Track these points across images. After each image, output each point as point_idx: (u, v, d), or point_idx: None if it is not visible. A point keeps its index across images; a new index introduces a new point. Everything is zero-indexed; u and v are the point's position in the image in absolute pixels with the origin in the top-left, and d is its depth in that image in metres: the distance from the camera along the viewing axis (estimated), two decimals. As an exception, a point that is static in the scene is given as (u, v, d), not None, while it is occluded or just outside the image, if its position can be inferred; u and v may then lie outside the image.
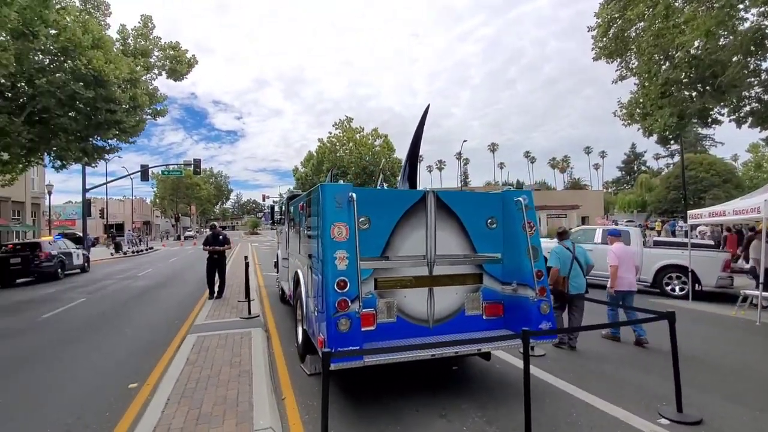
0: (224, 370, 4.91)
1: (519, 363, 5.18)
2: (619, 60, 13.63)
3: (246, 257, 9.40)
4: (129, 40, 16.47)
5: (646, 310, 4.38)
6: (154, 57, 17.02)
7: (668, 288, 10.63)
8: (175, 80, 17.74)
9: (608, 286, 6.54)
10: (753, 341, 6.73)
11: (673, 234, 24.93)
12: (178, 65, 17.16)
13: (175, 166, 35.19)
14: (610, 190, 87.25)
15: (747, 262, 11.90)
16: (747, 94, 12.22)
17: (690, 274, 10.04)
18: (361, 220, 4.13)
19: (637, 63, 12.90)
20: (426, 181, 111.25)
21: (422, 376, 4.97)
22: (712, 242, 13.53)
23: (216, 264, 9.94)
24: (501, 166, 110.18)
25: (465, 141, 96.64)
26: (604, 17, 12.64)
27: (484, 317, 4.69)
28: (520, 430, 3.32)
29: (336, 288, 3.76)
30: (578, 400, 4.32)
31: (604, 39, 13.07)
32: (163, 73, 17.47)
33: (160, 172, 41.59)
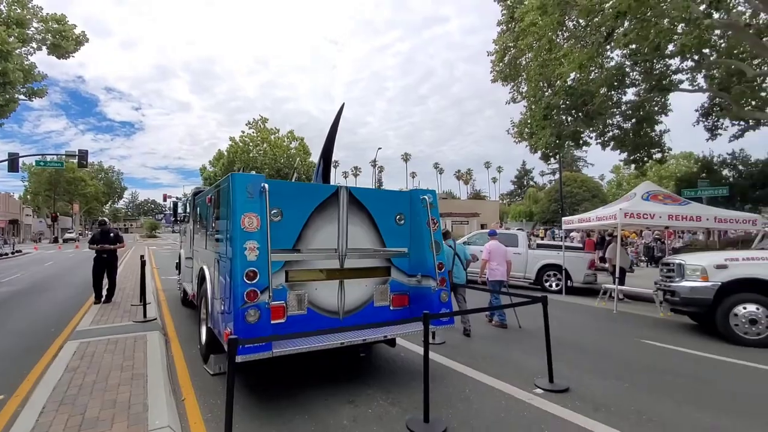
0: (114, 374, 4.44)
1: (422, 350, 5.53)
2: (512, 84, 15.29)
3: (142, 256, 8.56)
4: (2, 7, 14.00)
5: (524, 296, 5.01)
6: (32, 28, 14.68)
7: (547, 284, 12.11)
8: (58, 57, 15.49)
9: (479, 275, 7.85)
10: (611, 326, 7.99)
11: (554, 239, 28.31)
12: (63, 41, 15.02)
13: (55, 157, 30.38)
14: (504, 201, 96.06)
15: (604, 262, 14.05)
16: (610, 121, 14.54)
17: (564, 272, 11.59)
18: (273, 211, 4.09)
19: (526, 88, 14.59)
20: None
21: (331, 367, 5.03)
22: (581, 245, 15.75)
23: (105, 265, 8.85)
24: (413, 175, 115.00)
25: (380, 149, 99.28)
26: (501, 45, 14.11)
27: (391, 308, 4.92)
28: (420, 408, 3.56)
29: (245, 279, 3.67)
30: (470, 378, 4.76)
31: (501, 64, 14.57)
32: (44, 47, 15.14)
33: (34, 163, 35.56)
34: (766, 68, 11.39)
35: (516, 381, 4.64)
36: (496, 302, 7.50)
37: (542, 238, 30.12)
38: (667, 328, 7.67)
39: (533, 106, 14.13)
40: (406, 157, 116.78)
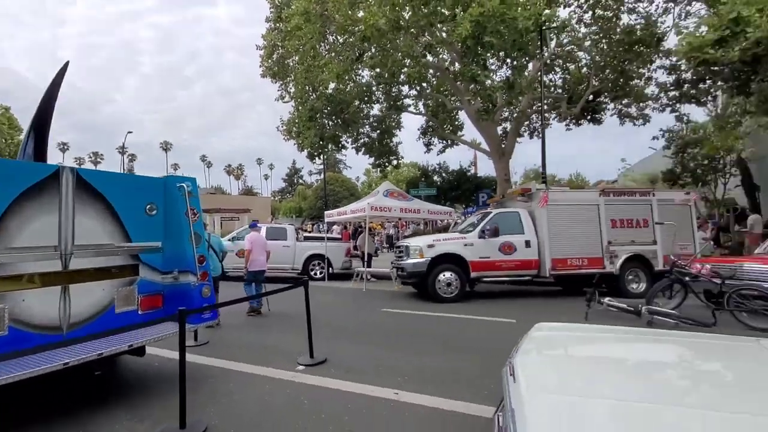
0: None
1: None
2: (281, 82, 15.55)
3: None
4: None
5: (286, 281, 5.24)
6: None
7: (312, 273, 12.97)
8: None
9: (244, 265, 7.69)
10: (361, 302, 9.27)
11: (320, 232, 30.52)
12: None
13: None
14: (276, 197, 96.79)
15: (357, 249, 16.18)
16: (362, 130, 16.72)
17: (326, 260, 12.70)
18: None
19: (294, 89, 15.13)
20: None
21: (57, 398, 3.90)
22: (340, 236, 17.64)
23: None
24: (175, 167, 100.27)
25: (130, 132, 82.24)
26: (269, 41, 14.14)
27: (140, 312, 4.21)
28: (176, 417, 3.22)
29: None
30: (236, 372, 4.63)
31: (270, 61, 14.59)
32: None
33: None
34: (458, 104, 15.63)
35: (280, 364, 4.80)
36: (248, 290, 7.60)
37: (310, 232, 32.10)
38: (401, 298, 9.53)
39: (300, 107, 14.82)
40: (166, 146, 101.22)
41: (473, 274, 8.79)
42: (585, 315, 6.43)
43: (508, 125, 16.88)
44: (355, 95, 13.86)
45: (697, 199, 10.67)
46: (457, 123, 17.57)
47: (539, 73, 12.84)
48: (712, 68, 8.41)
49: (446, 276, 8.62)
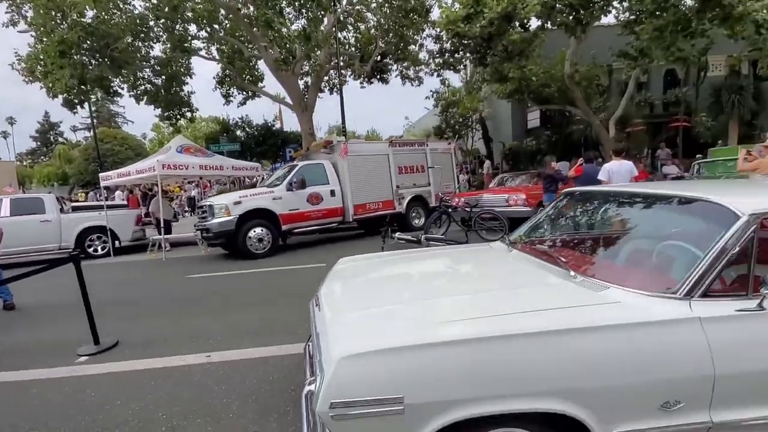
0: None
1: None
2: (10, 2, 11.03)
3: None
4: None
5: (39, 263, 4.05)
6: None
7: (91, 249, 10.42)
8: None
9: None
10: (160, 273, 8.05)
11: (97, 201, 24.62)
12: None
13: None
14: (25, 162, 71.70)
15: (149, 216, 13.77)
16: (141, 74, 13.67)
17: (109, 232, 10.35)
18: None
19: (32, 13, 10.96)
20: None
21: None
22: (125, 203, 14.57)
23: None
24: None
25: None
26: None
27: None
28: None
29: None
30: (-24, 387, 3.40)
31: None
32: None
33: None
34: (256, 52, 14.38)
35: (52, 361, 3.78)
36: None
37: (84, 201, 25.40)
38: (209, 261, 8.72)
39: (45, 38, 10.89)
40: None
41: (284, 227, 8.75)
42: (381, 249, 7.34)
43: (309, 79, 16.74)
44: (125, 28, 11.01)
45: (455, 148, 13.30)
46: (257, 73, 16.32)
47: (334, 29, 12.96)
48: (463, 41, 10.21)
49: (257, 232, 8.29)
